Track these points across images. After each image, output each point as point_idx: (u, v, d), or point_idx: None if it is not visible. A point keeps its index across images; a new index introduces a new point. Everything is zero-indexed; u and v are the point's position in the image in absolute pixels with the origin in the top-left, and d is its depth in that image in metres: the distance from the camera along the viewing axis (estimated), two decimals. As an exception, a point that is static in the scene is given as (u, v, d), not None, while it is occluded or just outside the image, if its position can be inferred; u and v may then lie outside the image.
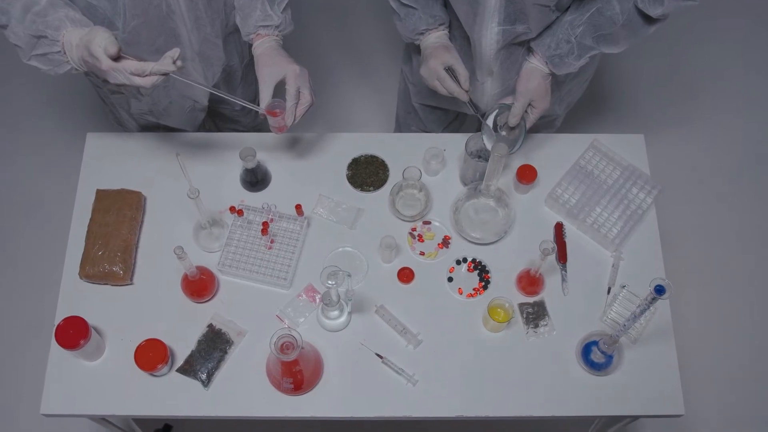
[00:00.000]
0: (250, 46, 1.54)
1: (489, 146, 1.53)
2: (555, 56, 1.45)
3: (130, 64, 1.24)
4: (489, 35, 1.48)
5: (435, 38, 1.54)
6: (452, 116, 1.92)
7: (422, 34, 1.55)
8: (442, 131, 1.95)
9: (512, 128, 1.50)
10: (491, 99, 1.66)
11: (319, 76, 2.75)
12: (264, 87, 1.46)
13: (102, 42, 1.21)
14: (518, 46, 1.52)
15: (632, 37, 1.43)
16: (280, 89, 1.47)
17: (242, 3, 1.50)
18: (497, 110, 1.52)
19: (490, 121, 1.53)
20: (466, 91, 1.50)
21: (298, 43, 1.63)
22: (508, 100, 1.51)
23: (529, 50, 1.50)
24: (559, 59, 1.45)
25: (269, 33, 1.50)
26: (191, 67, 1.59)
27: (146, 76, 1.24)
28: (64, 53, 1.29)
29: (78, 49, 1.26)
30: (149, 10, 1.40)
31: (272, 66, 1.46)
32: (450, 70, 1.50)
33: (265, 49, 1.49)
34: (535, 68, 1.48)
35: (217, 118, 1.96)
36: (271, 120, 1.47)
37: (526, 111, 1.49)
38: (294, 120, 1.46)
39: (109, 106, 1.72)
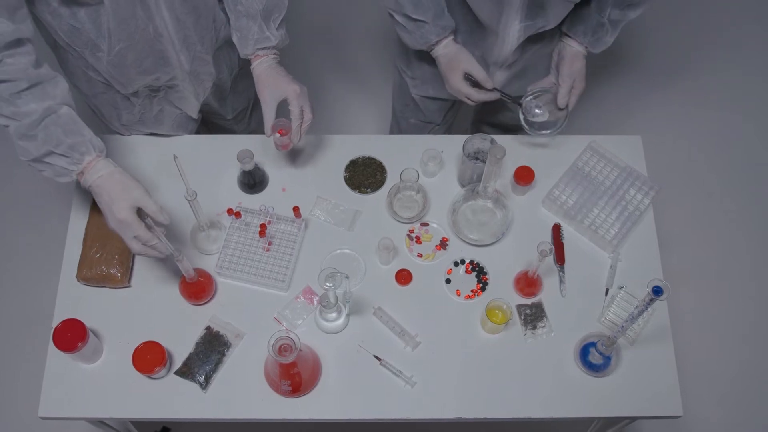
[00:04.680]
0: (239, 57, 1.54)
1: (527, 129, 1.63)
2: (593, 40, 1.57)
3: (146, 235, 1.29)
4: (512, 32, 1.51)
5: (443, 47, 1.57)
6: (450, 103, 1.93)
7: (433, 44, 1.57)
8: (442, 119, 1.95)
9: (561, 109, 1.61)
10: (499, 85, 1.68)
11: (315, 78, 2.76)
12: (267, 108, 1.49)
13: (152, 207, 1.30)
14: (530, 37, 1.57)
15: None
16: (280, 106, 1.50)
17: (239, 24, 1.48)
18: (531, 96, 1.61)
19: (529, 106, 1.62)
20: (492, 90, 1.58)
21: (293, 44, 1.63)
22: (544, 84, 1.63)
23: (563, 34, 1.59)
24: (597, 41, 1.57)
25: (267, 53, 1.50)
26: (182, 86, 1.59)
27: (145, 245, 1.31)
28: (81, 173, 1.31)
29: (119, 198, 1.29)
30: (135, 34, 1.39)
31: (274, 86, 1.48)
32: (468, 76, 1.56)
33: (265, 69, 1.49)
34: (577, 52, 1.59)
35: (211, 126, 1.95)
36: (277, 139, 1.51)
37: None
38: (299, 138, 1.50)
39: (99, 117, 1.71)
